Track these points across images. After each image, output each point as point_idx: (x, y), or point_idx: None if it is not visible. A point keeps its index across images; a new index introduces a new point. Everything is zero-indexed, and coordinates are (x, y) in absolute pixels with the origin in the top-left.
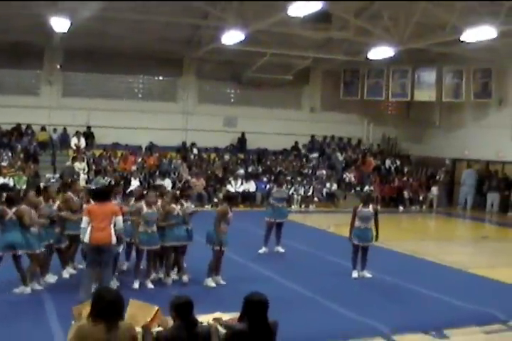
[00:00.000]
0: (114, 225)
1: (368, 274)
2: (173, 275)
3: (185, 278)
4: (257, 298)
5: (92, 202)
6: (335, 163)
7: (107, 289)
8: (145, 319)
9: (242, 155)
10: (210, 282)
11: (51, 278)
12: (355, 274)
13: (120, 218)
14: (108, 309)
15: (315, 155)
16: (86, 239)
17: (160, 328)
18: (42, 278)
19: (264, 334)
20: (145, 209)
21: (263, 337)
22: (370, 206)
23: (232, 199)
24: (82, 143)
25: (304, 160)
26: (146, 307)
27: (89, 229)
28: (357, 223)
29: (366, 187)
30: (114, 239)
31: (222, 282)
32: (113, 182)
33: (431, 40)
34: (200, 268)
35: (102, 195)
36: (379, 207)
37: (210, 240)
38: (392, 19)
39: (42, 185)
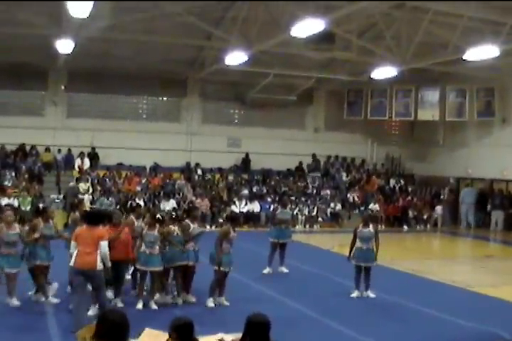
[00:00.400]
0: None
1: (371, 294)
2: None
3: (192, 299)
4: (259, 318)
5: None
6: (339, 182)
7: (112, 311)
8: None
9: (246, 176)
10: (210, 302)
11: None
12: (354, 294)
13: (105, 243)
14: (112, 331)
15: (317, 174)
16: (71, 262)
17: None
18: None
19: None
20: (145, 229)
21: None
22: (371, 226)
23: (235, 219)
24: (86, 163)
25: (308, 180)
26: (161, 336)
27: (75, 253)
28: (358, 243)
29: (371, 205)
30: (99, 265)
31: (226, 303)
32: (137, 203)
33: (433, 59)
34: (204, 289)
35: (93, 218)
36: (383, 227)
37: (212, 260)
38: (395, 39)
39: (41, 206)
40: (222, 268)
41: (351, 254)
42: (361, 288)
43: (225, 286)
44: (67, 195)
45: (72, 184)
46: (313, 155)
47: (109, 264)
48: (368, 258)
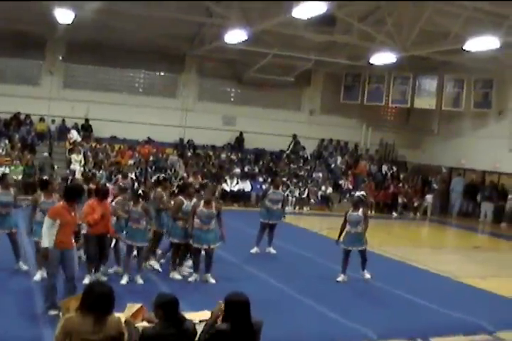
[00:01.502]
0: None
1: (367, 275)
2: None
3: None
4: (237, 298)
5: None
6: (333, 166)
7: (98, 283)
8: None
9: (239, 155)
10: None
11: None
12: (340, 278)
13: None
14: (98, 302)
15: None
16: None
17: (145, 324)
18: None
19: (247, 334)
20: (201, 207)
21: (245, 337)
22: (360, 210)
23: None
24: (76, 136)
25: (302, 162)
26: (133, 307)
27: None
28: (347, 227)
29: (357, 192)
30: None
31: (212, 280)
32: (164, 177)
33: (434, 48)
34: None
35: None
36: (373, 213)
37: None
38: (396, 25)
39: (45, 178)
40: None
41: (340, 238)
42: (347, 272)
43: (210, 264)
44: (43, 166)
45: (45, 154)
46: (294, 136)
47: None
48: (355, 241)
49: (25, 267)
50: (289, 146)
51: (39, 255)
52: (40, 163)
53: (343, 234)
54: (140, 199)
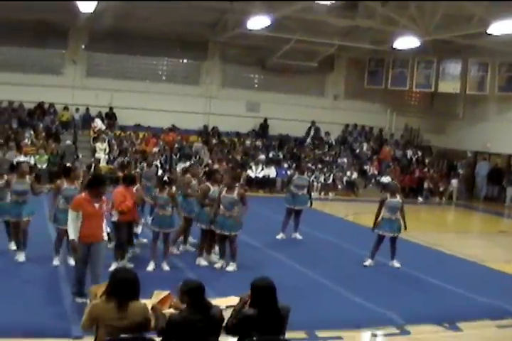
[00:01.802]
0: None
1: (397, 264)
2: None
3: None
4: (263, 283)
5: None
6: (359, 152)
7: (123, 269)
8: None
9: (263, 141)
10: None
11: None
12: (367, 262)
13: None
14: (121, 288)
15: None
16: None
17: (172, 310)
18: None
19: (274, 319)
20: (223, 192)
21: (272, 322)
22: (398, 196)
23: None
24: (101, 125)
25: (327, 147)
26: (160, 294)
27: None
28: (386, 214)
29: (383, 178)
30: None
31: (230, 268)
32: (191, 163)
33: (457, 31)
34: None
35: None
36: None
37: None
38: (419, 9)
39: (68, 165)
40: (214, 228)
41: (375, 224)
42: (375, 257)
43: (232, 251)
44: (65, 154)
45: (68, 142)
46: (312, 122)
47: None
48: (394, 228)
49: (22, 258)
50: (308, 133)
51: (58, 241)
52: (62, 152)
53: (379, 219)
54: (166, 186)
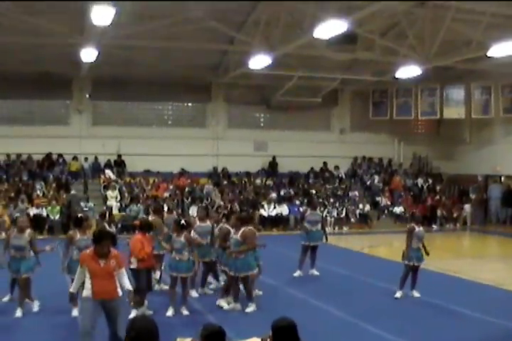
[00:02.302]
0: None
1: (416, 294)
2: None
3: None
4: (284, 322)
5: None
6: (371, 184)
7: (142, 317)
8: None
9: (273, 179)
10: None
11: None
12: (398, 294)
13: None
14: (140, 337)
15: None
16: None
17: None
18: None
19: None
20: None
21: None
22: (421, 226)
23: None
24: (111, 175)
25: (337, 181)
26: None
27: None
28: (414, 244)
29: (395, 208)
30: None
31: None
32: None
33: (457, 57)
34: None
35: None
36: None
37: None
38: (418, 38)
39: (79, 215)
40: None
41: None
42: (393, 288)
43: (250, 291)
44: (72, 203)
45: (73, 192)
46: (324, 163)
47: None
48: (420, 257)
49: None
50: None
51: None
52: (68, 201)
53: (407, 250)
54: (183, 230)
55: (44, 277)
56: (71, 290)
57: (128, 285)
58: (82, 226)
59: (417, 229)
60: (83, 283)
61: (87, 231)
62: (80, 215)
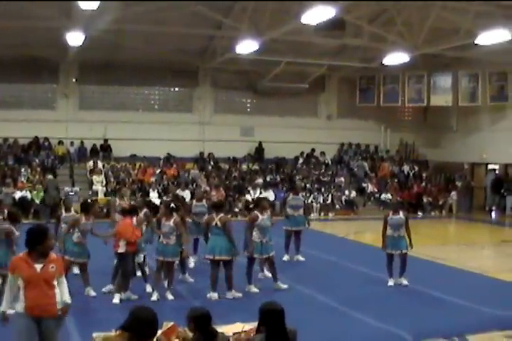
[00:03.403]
0: None
1: (405, 281)
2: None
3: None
4: (272, 307)
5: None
6: (357, 170)
7: (143, 308)
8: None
9: (260, 165)
10: (253, 288)
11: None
12: (391, 282)
13: None
14: (142, 328)
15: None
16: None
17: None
18: None
19: None
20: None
21: None
22: (401, 213)
23: (258, 203)
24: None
25: (323, 167)
26: (165, 325)
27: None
28: (389, 231)
29: (383, 195)
30: None
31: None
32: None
33: (445, 44)
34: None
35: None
36: None
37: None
38: (406, 25)
39: (89, 200)
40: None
41: (384, 244)
42: (394, 275)
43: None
44: (48, 187)
45: (50, 177)
46: (312, 150)
47: None
48: (399, 245)
49: None
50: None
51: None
52: (45, 186)
53: (383, 238)
54: (173, 213)
55: None
56: (1, 309)
57: (68, 299)
58: (89, 211)
59: (390, 216)
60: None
61: (91, 217)
62: (88, 200)
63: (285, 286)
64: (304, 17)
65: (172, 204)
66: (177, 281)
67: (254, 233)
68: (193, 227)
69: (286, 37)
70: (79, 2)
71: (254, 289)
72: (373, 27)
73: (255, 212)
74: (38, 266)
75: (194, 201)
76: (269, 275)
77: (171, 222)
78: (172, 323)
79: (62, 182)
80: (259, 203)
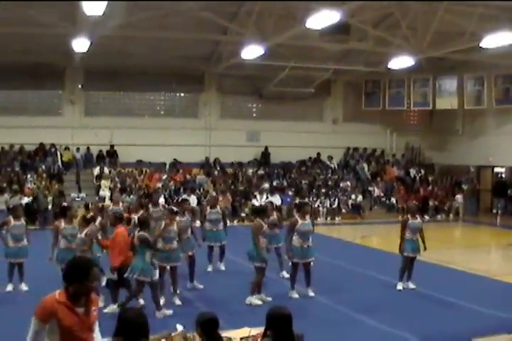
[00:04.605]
0: None
1: (412, 285)
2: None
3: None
4: (280, 311)
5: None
6: (360, 174)
7: (131, 309)
8: None
9: (266, 169)
10: (255, 300)
11: None
12: (400, 286)
13: None
14: (130, 329)
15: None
16: None
17: None
18: None
19: None
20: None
21: None
22: (418, 217)
23: (260, 211)
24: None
25: (330, 172)
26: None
27: None
28: (408, 235)
29: (392, 199)
30: None
31: (269, 298)
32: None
33: (450, 47)
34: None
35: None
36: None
37: (251, 257)
38: (411, 28)
39: (64, 204)
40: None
41: (401, 247)
42: (404, 279)
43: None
44: (37, 195)
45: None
46: (318, 154)
47: None
48: (417, 249)
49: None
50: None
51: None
52: (36, 193)
53: (402, 242)
54: (176, 217)
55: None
56: None
57: None
58: (66, 215)
59: (410, 220)
60: None
61: (73, 220)
62: (64, 204)
63: (296, 296)
64: (309, 21)
65: (175, 209)
66: (187, 289)
67: (294, 238)
68: (209, 234)
69: (291, 42)
70: (84, 7)
71: (295, 295)
72: (378, 31)
73: (295, 216)
74: (80, 310)
75: (208, 208)
76: (287, 276)
77: (175, 227)
78: (182, 330)
79: (68, 189)
80: (301, 207)
